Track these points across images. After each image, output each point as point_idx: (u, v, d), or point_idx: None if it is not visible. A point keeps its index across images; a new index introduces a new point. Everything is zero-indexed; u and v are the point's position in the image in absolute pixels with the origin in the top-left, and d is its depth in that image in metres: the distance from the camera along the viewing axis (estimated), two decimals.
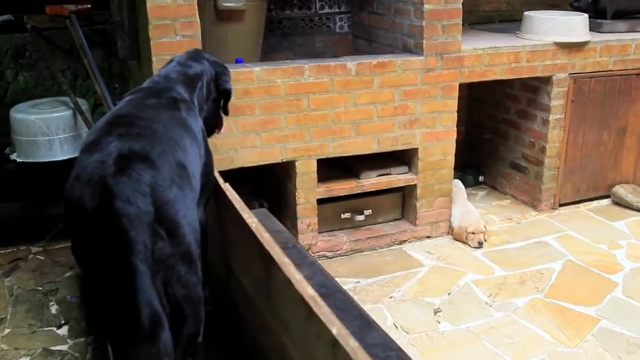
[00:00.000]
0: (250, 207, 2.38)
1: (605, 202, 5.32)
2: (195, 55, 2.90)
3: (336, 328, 1.40)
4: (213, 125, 3.08)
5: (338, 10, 5.38)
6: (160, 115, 2.27)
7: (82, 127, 4.27)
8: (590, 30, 4.91)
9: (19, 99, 4.57)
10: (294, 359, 1.80)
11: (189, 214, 2.04)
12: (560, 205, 5.17)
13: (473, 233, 4.55)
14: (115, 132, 2.01)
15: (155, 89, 2.53)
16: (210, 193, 2.69)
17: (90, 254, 1.94)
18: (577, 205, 5.23)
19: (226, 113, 3.15)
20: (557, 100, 4.86)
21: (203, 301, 2.14)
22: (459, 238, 4.62)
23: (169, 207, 1.93)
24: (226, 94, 2.99)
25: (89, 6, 4.54)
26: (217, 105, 3.01)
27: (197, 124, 2.50)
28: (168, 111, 2.36)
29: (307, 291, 1.58)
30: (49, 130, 4.21)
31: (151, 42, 3.70)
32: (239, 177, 3.66)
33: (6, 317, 3.76)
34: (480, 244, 4.53)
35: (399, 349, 2.25)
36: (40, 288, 4.06)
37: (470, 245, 4.57)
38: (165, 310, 1.94)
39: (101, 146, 1.95)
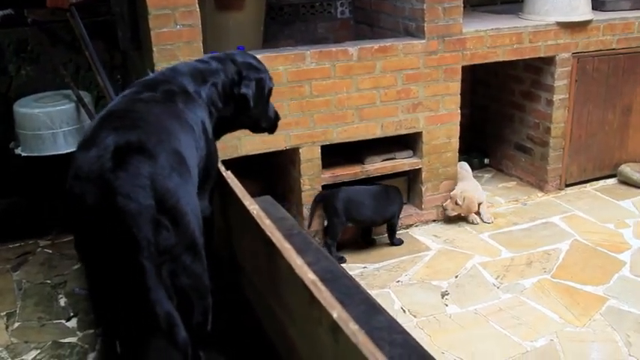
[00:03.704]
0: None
1: (612, 181, 5.31)
2: (221, 56, 2.82)
3: (337, 312, 1.40)
4: (259, 127, 2.99)
5: None
6: (153, 108, 2.25)
7: (86, 119, 4.27)
8: (593, 9, 4.88)
9: (22, 93, 4.56)
10: (298, 345, 1.80)
11: (191, 202, 2.03)
12: (567, 186, 5.16)
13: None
14: (110, 126, 2.00)
15: (154, 82, 2.50)
16: (214, 185, 2.67)
17: (94, 251, 1.94)
18: (583, 185, 5.22)
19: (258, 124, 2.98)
20: (560, 81, 4.84)
21: (209, 290, 2.13)
22: (472, 207, 4.64)
23: (171, 196, 1.92)
24: (242, 99, 2.76)
25: None
26: (241, 110, 2.80)
27: (197, 115, 2.43)
28: (161, 105, 2.32)
29: (308, 276, 1.58)
30: (53, 124, 4.21)
31: (152, 32, 3.70)
32: (243, 165, 3.66)
33: (15, 311, 3.78)
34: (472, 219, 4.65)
35: (405, 332, 2.25)
36: (49, 281, 4.08)
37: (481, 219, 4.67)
38: (173, 301, 1.94)
39: (97, 141, 1.94)
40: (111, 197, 1.81)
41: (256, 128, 2.98)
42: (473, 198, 4.60)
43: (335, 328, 1.40)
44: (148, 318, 1.84)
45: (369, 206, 4.23)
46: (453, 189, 4.64)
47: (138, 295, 1.83)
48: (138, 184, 1.83)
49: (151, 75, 2.61)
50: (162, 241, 1.90)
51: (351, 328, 1.34)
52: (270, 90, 2.91)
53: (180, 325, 1.86)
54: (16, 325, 3.65)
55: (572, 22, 4.72)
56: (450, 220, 4.70)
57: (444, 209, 4.62)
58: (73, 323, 3.66)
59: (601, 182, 5.29)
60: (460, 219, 4.71)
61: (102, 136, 1.95)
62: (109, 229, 1.83)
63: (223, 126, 2.76)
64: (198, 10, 3.77)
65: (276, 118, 3.03)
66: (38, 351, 3.42)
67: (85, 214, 1.89)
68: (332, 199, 4.19)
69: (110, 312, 2.05)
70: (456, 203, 4.56)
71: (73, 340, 3.51)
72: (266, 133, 3.10)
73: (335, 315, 1.40)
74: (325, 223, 4.31)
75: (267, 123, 2.99)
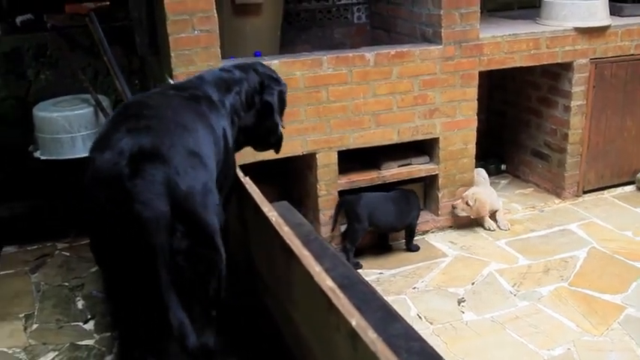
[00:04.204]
0: None
1: (630, 188, 5.27)
2: (243, 65, 2.87)
3: (355, 319, 1.41)
4: (267, 142, 3.02)
5: (355, 1, 5.37)
6: (173, 101, 2.28)
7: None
8: (611, 14, 4.86)
9: (41, 97, 4.60)
10: (315, 351, 1.80)
11: (207, 199, 2.05)
12: (584, 193, 5.14)
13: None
14: (123, 127, 2.01)
15: (182, 86, 2.55)
16: (230, 193, 2.68)
17: (110, 254, 1.97)
18: (601, 192, 5.19)
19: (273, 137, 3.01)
20: (578, 86, 4.82)
21: (222, 267, 2.16)
22: (482, 210, 4.63)
23: (185, 200, 1.95)
24: (266, 106, 2.84)
25: (108, 3, 4.56)
26: (262, 118, 2.86)
27: (219, 121, 2.47)
28: (184, 101, 2.36)
29: (326, 283, 1.58)
30: (71, 128, 4.24)
31: (170, 37, 3.71)
32: (259, 170, 3.67)
33: (33, 313, 3.80)
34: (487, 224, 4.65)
35: (422, 339, 2.25)
36: (67, 283, 4.11)
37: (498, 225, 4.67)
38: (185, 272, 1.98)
39: (111, 143, 1.96)
40: (128, 204, 1.84)
41: (264, 144, 3.01)
42: (484, 201, 4.58)
43: (354, 335, 1.40)
44: (162, 324, 1.87)
45: (390, 212, 4.23)
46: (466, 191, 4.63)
47: (152, 302, 1.86)
48: (154, 191, 1.87)
49: (178, 81, 2.65)
50: (177, 244, 1.94)
51: (370, 336, 1.34)
52: (284, 106, 2.96)
53: (192, 333, 1.90)
54: (35, 326, 3.67)
55: (590, 28, 4.70)
56: (466, 226, 4.69)
57: (454, 208, 4.60)
58: (90, 326, 3.68)
59: (619, 189, 5.26)
60: (476, 225, 4.69)
61: (116, 137, 1.96)
62: (125, 235, 1.87)
63: (242, 136, 2.78)
64: (215, 15, 3.78)
65: (281, 137, 3.05)
66: (56, 353, 3.44)
67: (101, 217, 1.92)
68: (354, 204, 4.19)
69: (126, 314, 2.07)
70: (467, 204, 4.54)
71: (90, 342, 3.53)
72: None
73: (354, 322, 1.40)
74: (343, 227, 4.31)
75: (275, 139, 3.01)
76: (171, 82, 3.62)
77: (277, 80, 2.90)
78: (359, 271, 4.04)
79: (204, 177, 2.08)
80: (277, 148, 3.08)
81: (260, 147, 3.07)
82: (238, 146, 2.83)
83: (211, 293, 2.14)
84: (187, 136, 2.11)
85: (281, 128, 2.98)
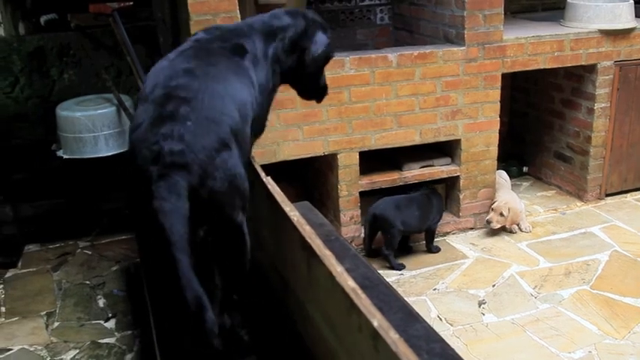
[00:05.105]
0: None
1: None
2: (293, 11, 2.84)
3: (377, 320, 1.40)
4: (309, 90, 2.96)
5: (378, 2, 5.36)
6: (214, 70, 2.30)
7: (126, 122, 4.32)
8: (636, 16, 4.82)
9: (64, 96, 4.63)
10: (336, 352, 1.80)
11: (235, 201, 2.11)
12: (607, 195, 5.10)
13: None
14: (159, 118, 2.05)
15: (229, 33, 2.55)
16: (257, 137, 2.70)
17: (138, 222, 2.11)
18: (624, 195, 5.15)
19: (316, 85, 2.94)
20: (602, 89, 4.78)
21: (247, 244, 2.20)
22: (517, 217, 4.61)
23: (211, 203, 2.00)
24: (302, 52, 2.74)
25: (131, 3, 4.58)
26: (302, 65, 2.78)
27: (258, 75, 2.51)
28: (225, 60, 2.38)
29: (348, 283, 1.58)
30: (94, 127, 4.27)
31: None
32: (280, 170, 3.67)
33: (55, 311, 3.83)
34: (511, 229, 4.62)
35: (443, 340, 2.24)
36: (88, 282, 4.14)
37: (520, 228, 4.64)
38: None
39: (149, 139, 2.01)
40: (149, 199, 1.90)
41: (304, 92, 2.96)
42: (517, 209, 4.55)
43: (375, 336, 1.39)
44: (179, 301, 1.90)
45: (416, 215, 4.22)
46: (494, 202, 4.59)
47: (170, 280, 1.90)
48: (174, 191, 1.93)
49: (228, 25, 2.66)
50: (201, 234, 2.05)
51: (392, 336, 1.33)
52: (329, 59, 2.90)
53: (209, 307, 1.92)
54: (56, 324, 3.71)
55: (614, 30, 4.67)
56: (487, 228, 4.66)
57: (488, 222, 4.54)
58: (111, 324, 3.71)
59: None
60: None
61: (152, 139, 2.00)
62: (147, 223, 1.92)
63: (284, 77, 2.76)
64: (239, 15, 3.79)
65: (325, 89, 2.99)
66: (77, 351, 3.46)
67: (134, 192, 2.04)
68: (383, 212, 4.17)
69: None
70: (501, 214, 4.51)
71: (111, 340, 3.56)
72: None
73: (376, 323, 1.39)
74: (362, 232, 4.31)
75: (316, 91, 2.96)
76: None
77: (323, 27, 2.81)
78: (380, 271, 4.03)
79: (234, 166, 2.10)
80: (319, 99, 3.02)
81: (302, 94, 3.00)
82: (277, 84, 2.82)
83: (234, 276, 2.20)
84: (224, 120, 2.14)
85: (323, 83, 2.94)
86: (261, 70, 2.53)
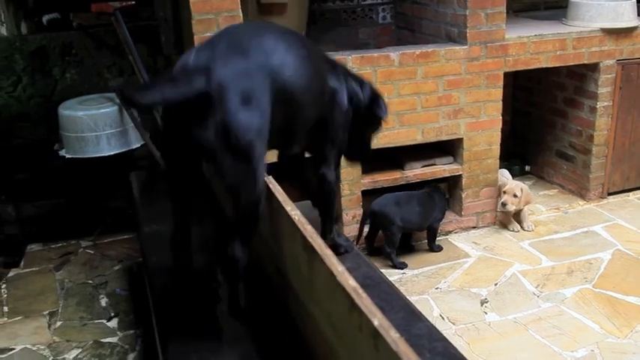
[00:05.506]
0: None
1: None
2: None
3: (378, 319, 1.40)
4: (356, 154, 3.17)
5: (380, 1, 5.36)
6: (308, 52, 2.44)
7: (128, 122, 4.32)
8: (639, 15, 4.81)
9: (66, 96, 4.63)
10: (337, 351, 1.80)
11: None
12: (609, 194, 5.10)
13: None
14: (222, 57, 2.12)
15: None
16: (338, 154, 2.86)
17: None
18: (626, 194, 5.15)
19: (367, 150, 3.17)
20: (604, 88, 4.78)
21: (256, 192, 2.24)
22: (530, 197, 4.62)
23: (234, 134, 2.10)
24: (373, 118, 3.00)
25: (133, 2, 4.59)
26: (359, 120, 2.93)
27: (339, 83, 2.74)
28: (321, 57, 2.65)
29: (349, 283, 1.58)
30: (96, 126, 4.27)
31: (195, 37, 3.73)
32: (282, 169, 3.67)
33: (57, 310, 3.84)
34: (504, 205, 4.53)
35: (445, 339, 2.24)
36: (90, 281, 4.14)
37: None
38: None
39: (206, 68, 2.08)
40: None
41: (354, 151, 3.09)
42: (527, 189, 4.57)
43: (376, 335, 1.40)
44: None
45: (417, 212, 4.21)
46: (502, 189, 4.59)
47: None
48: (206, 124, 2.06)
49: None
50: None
51: (392, 336, 1.34)
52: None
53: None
54: (58, 324, 3.71)
55: (617, 29, 4.66)
56: (489, 227, 4.66)
57: (503, 205, 4.50)
58: (113, 323, 3.71)
59: None
60: (499, 226, 4.67)
61: (210, 66, 2.09)
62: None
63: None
64: (241, 15, 3.79)
65: (370, 150, 3.18)
66: (79, 350, 3.47)
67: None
68: (383, 209, 4.16)
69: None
70: (515, 195, 4.49)
71: (113, 340, 3.56)
72: None
73: (376, 322, 1.40)
74: (365, 230, 4.31)
75: (367, 151, 3.17)
76: None
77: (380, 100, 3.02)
78: (382, 270, 4.03)
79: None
80: (364, 159, 3.28)
81: (350, 153, 3.09)
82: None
83: (242, 208, 2.23)
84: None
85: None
86: (339, 80, 2.73)
